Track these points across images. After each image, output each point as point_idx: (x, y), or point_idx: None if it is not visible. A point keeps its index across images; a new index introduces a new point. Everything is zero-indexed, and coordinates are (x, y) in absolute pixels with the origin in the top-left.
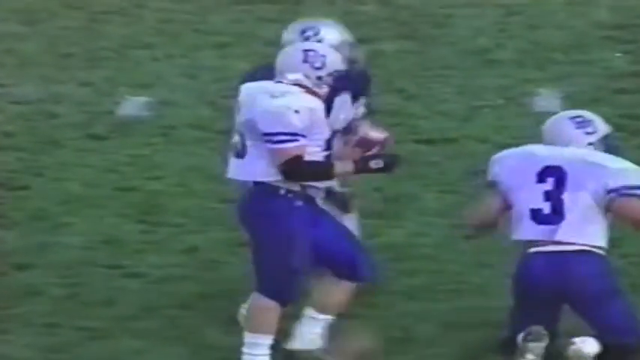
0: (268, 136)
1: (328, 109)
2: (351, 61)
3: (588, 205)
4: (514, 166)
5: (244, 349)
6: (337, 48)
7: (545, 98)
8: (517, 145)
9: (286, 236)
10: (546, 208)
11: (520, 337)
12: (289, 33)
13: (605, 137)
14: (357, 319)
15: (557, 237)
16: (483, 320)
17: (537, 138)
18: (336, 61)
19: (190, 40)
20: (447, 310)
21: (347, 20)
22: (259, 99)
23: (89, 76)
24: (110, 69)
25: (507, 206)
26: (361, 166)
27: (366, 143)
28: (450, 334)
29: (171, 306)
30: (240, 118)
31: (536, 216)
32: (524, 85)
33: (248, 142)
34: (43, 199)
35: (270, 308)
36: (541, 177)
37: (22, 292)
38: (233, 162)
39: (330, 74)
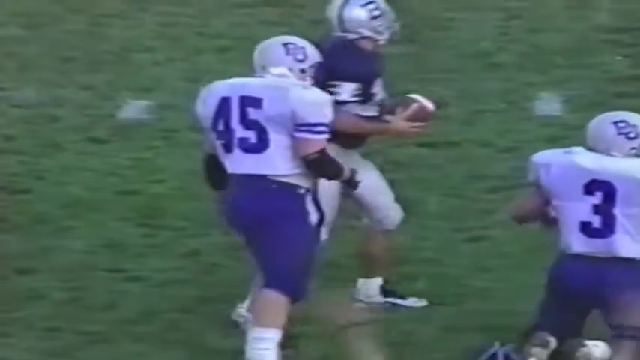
0: (307, 127)
1: None
2: (394, 33)
3: (638, 221)
4: (559, 175)
5: (252, 345)
6: (386, 14)
7: (546, 102)
8: (519, 149)
9: (308, 234)
10: (596, 221)
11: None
12: (332, 5)
13: (316, 64)
14: (360, 324)
15: (609, 251)
16: (484, 324)
17: (539, 142)
18: (314, 53)
19: (191, 43)
20: (448, 314)
21: None
22: (293, 91)
23: (90, 79)
24: (111, 72)
25: (546, 205)
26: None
27: (423, 113)
28: (451, 337)
29: (172, 309)
30: (263, 113)
31: (586, 229)
32: (526, 89)
33: (271, 137)
34: (45, 203)
35: (281, 303)
36: (588, 190)
37: (23, 295)
38: (244, 157)
39: (312, 66)
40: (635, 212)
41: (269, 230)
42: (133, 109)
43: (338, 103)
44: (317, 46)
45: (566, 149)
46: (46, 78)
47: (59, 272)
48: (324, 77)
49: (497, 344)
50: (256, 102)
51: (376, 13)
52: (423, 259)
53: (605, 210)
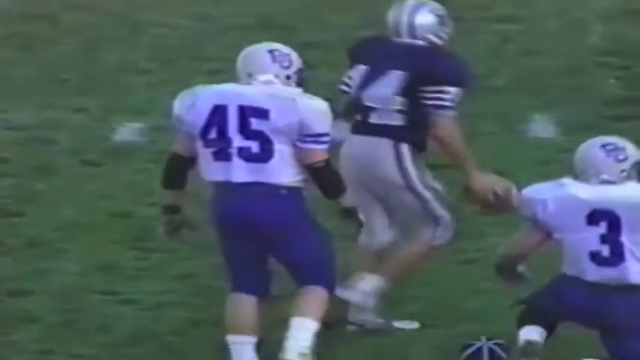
0: (315, 137)
1: None
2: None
3: None
4: (558, 210)
5: (295, 334)
6: (443, 19)
7: (540, 124)
8: (514, 172)
9: (322, 231)
10: (605, 250)
11: (520, 343)
12: (398, 10)
13: (638, 163)
14: (353, 345)
15: (621, 279)
16: None
17: (534, 165)
18: (298, 59)
19: (185, 66)
20: (441, 336)
21: (342, 47)
22: (300, 101)
23: (84, 102)
24: (105, 95)
25: (547, 240)
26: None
27: (503, 203)
28: (445, 359)
29: (165, 332)
30: (270, 124)
31: (596, 258)
32: (520, 112)
33: (276, 147)
34: (38, 226)
35: (324, 297)
36: (591, 220)
37: (16, 318)
38: (246, 166)
39: (296, 72)
40: None
41: (290, 234)
42: (127, 131)
43: (442, 109)
44: (366, 45)
45: (557, 182)
46: (40, 100)
47: (52, 295)
48: (418, 83)
49: (483, 339)
50: (261, 113)
51: (444, 19)
52: (417, 282)
53: (612, 238)
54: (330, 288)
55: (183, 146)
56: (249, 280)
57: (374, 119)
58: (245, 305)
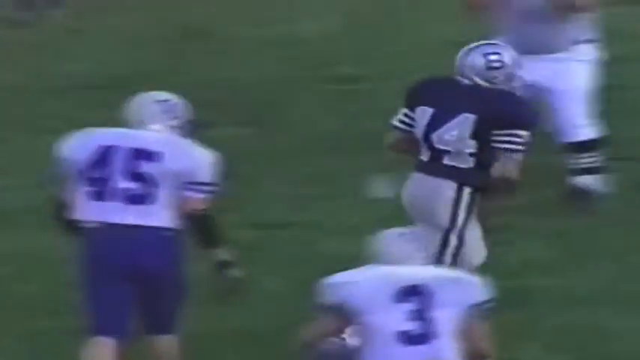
0: (201, 185)
1: None
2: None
3: (455, 322)
4: (364, 291)
5: None
6: (514, 65)
7: (382, 185)
8: (355, 234)
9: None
10: (415, 328)
11: None
12: (472, 54)
13: (188, 122)
14: None
15: (435, 357)
16: None
17: (372, 223)
18: (186, 110)
19: (27, 124)
20: None
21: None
22: (189, 149)
23: None
24: None
25: (346, 326)
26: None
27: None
28: None
29: None
30: (161, 167)
31: (406, 337)
32: (357, 172)
33: (161, 190)
34: None
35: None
36: (399, 297)
37: None
38: (126, 208)
39: (185, 123)
40: (451, 313)
41: (164, 279)
42: None
43: (514, 152)
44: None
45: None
46: None
47: None
48: (490, 126)
49: None
50: (154, 156)
51: (496, 64)
52: (261, 338)
53: (422, 315)
54: (177, 334)
55: (64, 189)
56: (114, 322)
57: (444, 160)
58: (107, 349)
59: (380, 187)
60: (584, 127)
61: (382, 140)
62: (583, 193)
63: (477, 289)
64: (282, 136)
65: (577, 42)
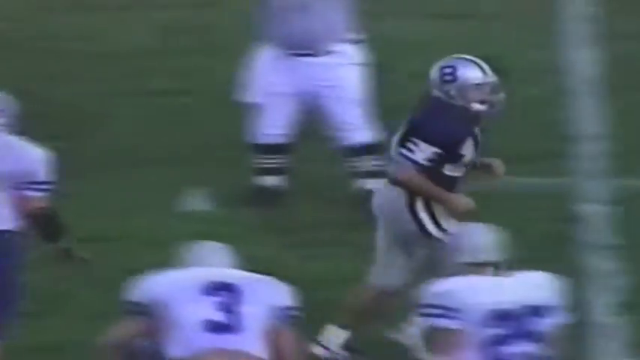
0: (38, 184)
1: None
2: (490, 103)
3: (263, 321)
4: (171, 286)
5: None
6: (477, 87)
7: (196, 199)
8: (167, 247)
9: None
10: (222, 319)
11: None
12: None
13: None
14: None
15: (240, 347)
16: None
17: (185, 236)
18: (13, 105)
19: None
20: None
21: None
22: (26, 149)
23: None
24: None
25: (156, 326)
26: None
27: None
28: None
29: None
30: None
31: (212, 326)
32: (175, 185)
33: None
34: None
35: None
36: (208, 291)
37: None
38: None
39: (11, 119)
40: (260, 311)
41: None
42: None
43: (408, 158)
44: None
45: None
46: None
47: None
48: (407, 129)
49: None
50: None
51: (448, 78)
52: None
53: (230, 308)
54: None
55: None
56: None
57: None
58: None
59: (194, 201)
60: (361, 130)
61: (197, 154)
62: (368, 197)
63: (284, 293)
64: (93, 150)
65: (344, 41)
